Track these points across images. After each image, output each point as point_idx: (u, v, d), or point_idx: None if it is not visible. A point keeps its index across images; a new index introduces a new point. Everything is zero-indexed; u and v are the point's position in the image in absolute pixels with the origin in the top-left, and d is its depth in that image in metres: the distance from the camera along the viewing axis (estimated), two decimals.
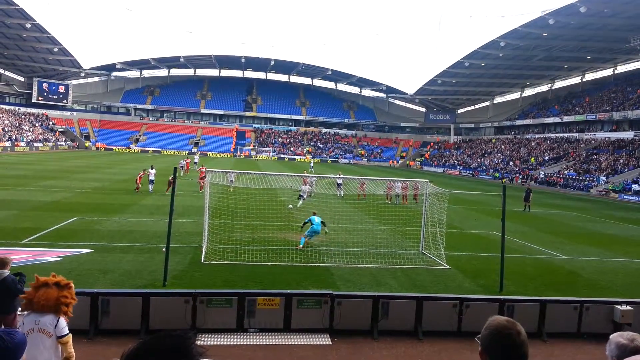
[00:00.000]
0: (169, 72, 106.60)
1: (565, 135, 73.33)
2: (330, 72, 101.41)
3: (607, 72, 79.28)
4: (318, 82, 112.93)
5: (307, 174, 26.73)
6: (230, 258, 14.05)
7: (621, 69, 76.66)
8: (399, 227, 20.28)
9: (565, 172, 60.34)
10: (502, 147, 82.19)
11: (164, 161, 58.67)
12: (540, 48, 67.60)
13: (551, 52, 68.83)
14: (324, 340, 9.22)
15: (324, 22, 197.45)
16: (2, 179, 31.37)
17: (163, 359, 1.74)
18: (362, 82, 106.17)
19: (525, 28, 60.35)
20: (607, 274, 15.46)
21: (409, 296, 10.39)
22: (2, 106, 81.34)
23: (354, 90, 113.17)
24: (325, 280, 12.71)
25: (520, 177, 63.92)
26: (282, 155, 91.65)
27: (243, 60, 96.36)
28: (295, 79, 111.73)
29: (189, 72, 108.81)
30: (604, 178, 53.71)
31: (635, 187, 48.30)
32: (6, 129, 71.86)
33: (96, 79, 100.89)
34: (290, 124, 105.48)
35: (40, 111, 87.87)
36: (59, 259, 13.30)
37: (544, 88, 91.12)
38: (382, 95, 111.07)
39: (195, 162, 53.34)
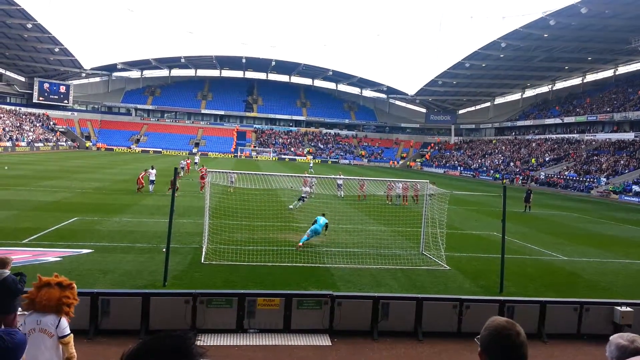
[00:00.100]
0: (169, 72, 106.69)
1: (566, 136, 73.33)
2: (331, 73, 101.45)
3: (608, 73, 79.26)
4: (319, 83, 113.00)
5: (307, 175, 26.70)
6: (230, 258, 14.05)
7: (622, 70, 76.65)
8: (399, 227, 20.27)
9: (566, 173, 60.30)
10: (503, 148, 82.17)
11: (164, 161, 58.70)
12: (541, 49, 67.60)
13: (552, 53, 68.81)
14: (324, 340, 9.22)
15: (324, 22, 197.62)
16: (3, 179, 31.39)
17: (163, 359, 1.75)
18: (363, 83, 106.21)
19: (526, 29, 60.35)
20: (608, 275, 15.45)
21: (409, 297, 10.39)
22: (3, 106, 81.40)
23: (355, 90, 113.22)
24: (325, 281, 12.71)
25: (521, 178, 63.89)
26: (283, 156, 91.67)
27: (244, 60, 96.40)
28: (296, 79, 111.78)
29: (189, 72, 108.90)
30: (604, 179, 53.68)
31: (635, 188, 48.25)
32: (7, 129, 71.92)
33: (97, 79, 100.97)
34: (291, 124, 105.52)
35: (41, 111, 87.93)
36: (59, 259, 13.31)
37: (544, 89, 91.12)
38: (383, 96, 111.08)
39: (195, 163, 53.38)
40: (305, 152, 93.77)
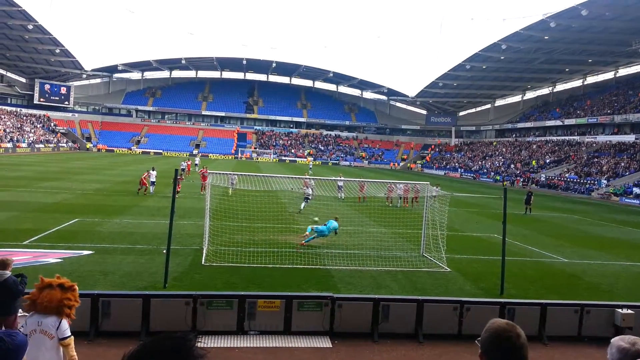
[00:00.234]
0: (170, 73, 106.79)
1: (567, 138, 73.35)
2: (331, 75, 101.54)
3: (609, 75, 79.27)
4: (319, 85, 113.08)
5: (307, 176, 26.70)
6: (230, 260, 14.04)
7: (623, 72, 76.67)
8: (399, 229, 20.27)
9: (567, 175, 60.28)
10: (503, 149, 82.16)
11: (165, 163, 58.73)
12: (541, 51, 67.63)
13: (552, 55, 68.84)
14: (325, 342, 9.22)
15: (325, 24, 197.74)
16: (3, 181, 31.42)
17: None
18: (364, 85, 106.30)
19: (526, 31, 60.39)
20: (608, 277, 15.44)
21: (409, 299, 10.38)
22: (3, 107, 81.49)
23: (355, 92, 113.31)
24: (325, 283, 12.71)
25: (522, 180, 63.88)
26: (283, 157, 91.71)
27: (244, 62, 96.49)
28: (296, 81, 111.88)
29: (190, 73, 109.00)
30: (605, 181, 53.65)
31: (636, 190, 48.21)
32: (8, 130, 71.98)
33: (98, 80, 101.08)
34: (292, 126, 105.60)
35: (42, 112, 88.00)
36: (59, 260, 13.31)
37: (545, 91, 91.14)
38: (384, 97, 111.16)
39: (196, 164, 53.44)
40: (305, 154, 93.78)
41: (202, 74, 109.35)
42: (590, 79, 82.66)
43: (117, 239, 16.40)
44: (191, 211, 22.61)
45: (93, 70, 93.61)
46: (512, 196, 26.00)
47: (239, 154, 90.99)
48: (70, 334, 4.97)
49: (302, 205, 24.91)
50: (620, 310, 10.11)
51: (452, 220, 20.29)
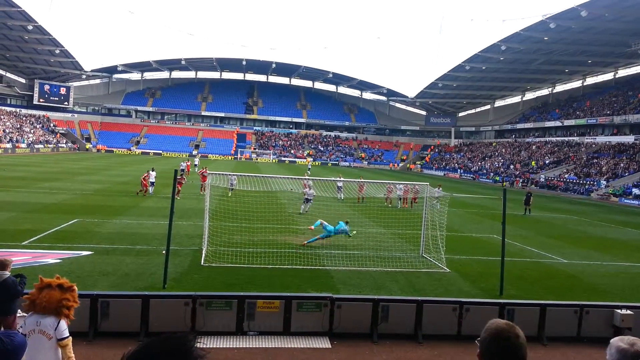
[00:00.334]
0: (170, 74, 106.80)
1: (566, 139, 73.41)
2: (331, 75, 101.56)
3: (608, 76, 79.37)
4: (319, 85, 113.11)
5: (307, 177, 26.69)
6: (230, 261, 14.04)
7: (622, 73, 76.78)
8: (399, 230, 20.27)
9: (566, 175, 60.31)
10: (503, 150, 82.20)
11: (164, 163, 58.71)
12: (541, 52, 67.70)
13: (552, 56, 68.92)
14: (324, 343, 9.22)
15: (325, 25, 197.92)
16: (3, 181, 31.40)
17: None
18: (363, 85, 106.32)
19: (526, 32, 60.46)
20: (608, 278, 15.44)
21: (409, 299, 10.39)
22: (3, 108, 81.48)
23: (355, 93, 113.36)
24: (325, 283, 12.70)
25: (521, 180, 63.91)
26: (283, 158, 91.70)
27: (244, 62, 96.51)
28: (296, 81, 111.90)
29: (190, 74, 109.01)
30: (604, 182, 53.69)
31: (635, 191, 48.25)
32: (7, 130, 71.95)
33: (97, 80, 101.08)
34: (291, 126, 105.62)
35: (42, 113, 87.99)
36: (59, 260, 13.30)
37: (544, 92, 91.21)
38: (383, 98, 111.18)
39: (195, 165, 53.42)
40: (305, 155, 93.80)
41: (202, 74, 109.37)
42: (590, 80, 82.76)
43: (117, 239, 16.39)
44: (190, 212, 22.60)
45: (92, 70, 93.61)
46: (511, 197, 25.99)
47: (239, 155, 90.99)
48: (68, 334, 4.96)
49: (304, 207, 24.86)
50: (619, 310, 10.11)
51: (451, 221, 20.30)
